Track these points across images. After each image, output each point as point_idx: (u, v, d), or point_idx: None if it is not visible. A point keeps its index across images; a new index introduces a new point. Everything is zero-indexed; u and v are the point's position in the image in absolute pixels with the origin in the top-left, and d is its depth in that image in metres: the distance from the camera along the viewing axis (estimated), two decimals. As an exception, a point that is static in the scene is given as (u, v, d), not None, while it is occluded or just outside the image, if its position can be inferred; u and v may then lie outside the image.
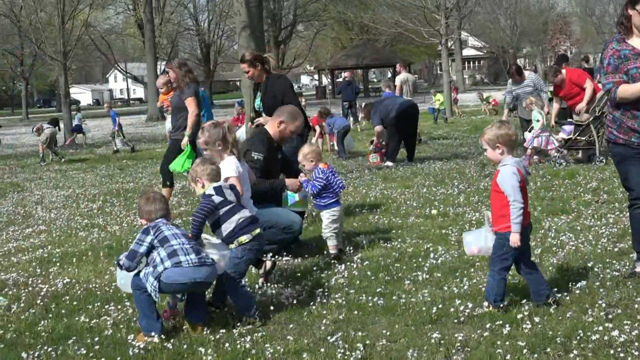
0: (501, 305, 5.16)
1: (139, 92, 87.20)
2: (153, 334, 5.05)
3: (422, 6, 29.49)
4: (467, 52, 74.59)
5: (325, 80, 63.20)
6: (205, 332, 5.15)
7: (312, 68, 70.67)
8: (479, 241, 5.35)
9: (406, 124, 14.81)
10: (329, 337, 4.91)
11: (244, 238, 5.48)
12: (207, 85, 69.05)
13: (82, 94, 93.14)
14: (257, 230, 5.58)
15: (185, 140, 9.25)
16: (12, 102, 77.65)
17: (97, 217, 10.59)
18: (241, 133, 18.18)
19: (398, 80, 19.48)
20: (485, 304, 5.20)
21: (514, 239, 5.07)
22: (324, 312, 5.49)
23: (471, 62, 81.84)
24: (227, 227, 5.48)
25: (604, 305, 5.15)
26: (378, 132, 14.97)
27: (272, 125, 7.55)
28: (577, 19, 73.16)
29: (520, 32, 64.90)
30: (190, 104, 9.40)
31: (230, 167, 6.08)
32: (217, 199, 5.43)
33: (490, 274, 5.27)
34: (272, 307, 5.65)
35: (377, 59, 55.70)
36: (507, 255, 5.16)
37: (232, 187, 5.64)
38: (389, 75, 63.99)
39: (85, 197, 12.68)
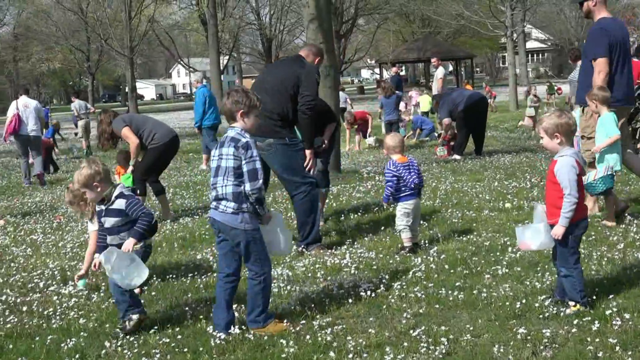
0: (587, 303, 4.99)
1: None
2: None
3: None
4: (531, 44, 73.11)
5: (386, 74, 62.85)
6: (285, 324, 5.11)
7: (373, 62, 70.37)
8: (539, 236, 5.13)
9: (474, 117, 14.61)
10: (410, 331, 4.83)
11: (148, 240, 5.47)
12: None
13: (146, 89, 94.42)
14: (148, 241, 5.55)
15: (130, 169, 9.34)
16: (78, 96, 79.12)
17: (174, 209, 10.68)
18: None
19: (441, 73, 19.49)
20: (572, 303, 5.00)
21: (558, 232, 4.93)
22: (404, 305, 5.41)
23: (535, 55, 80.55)
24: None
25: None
26: (446, 125, 14.83)
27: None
28: (644, 10, 71.22)
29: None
30: (127, 134, 9.20)
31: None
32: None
33: (565, 273, 5.05)
34: (350, 300, 5.59)
35: (438, 52, 54.69)
36: (574, 247, 5.03)
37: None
38: (450, 68, 63.44)
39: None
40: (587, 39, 8.23)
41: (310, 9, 11.96)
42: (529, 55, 71.90)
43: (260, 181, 4.99)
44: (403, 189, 6.96)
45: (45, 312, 5.83)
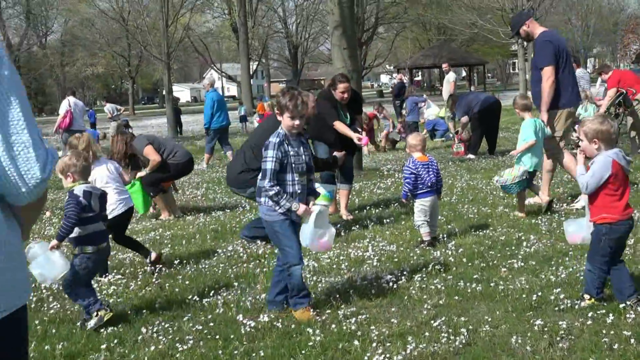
0: (603, 297, 4.79)
1: (232, 90, 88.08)
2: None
3: (500, 8, 28.82)
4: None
5: (405, 79, 62.65)
6: (311, 313, 4.98)
7: (391, 67, 70.03)
8: (581, 230, 4.98)
9: (488, 118, 14.47)
10: (431, 321, 4.68)
11: (89, 249, 5.11)
12: (294, 83, 69.37)
13: (181, 92, 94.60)
14: (103, 245, 5.25)
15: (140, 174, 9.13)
16: (119, 99, 79.63)
17: (202, 203, 10.59)
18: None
19: (452, 77, 19.33)
20: (587, 296, 4.79)
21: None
22: (424, 296, 5.27)
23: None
24: (79, 231, 5.10)
25: None
26: (463, 123, 14.72)
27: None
28: (645, 20, 70.44)
29: (592, 32, 62.95)
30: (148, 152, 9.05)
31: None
32: (83, 201, 5.06)
33: (589, 268, 4.83)
34: (373, 291, 5.46)
35: (453, 58, 54.23)
36: (606, 250, 4.73)
37: (101, 196, 5.30)
38: (464, 74, 62.96)
39: (190, 185, 12.71)
40: (534, 51, 8.28)
41: (335, 16, 11.83)
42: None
43: (267, 180, 4.82)
44: (420, 186, 6.80)
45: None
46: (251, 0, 48.52)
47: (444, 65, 21.08)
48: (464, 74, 62.69)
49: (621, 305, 4.65)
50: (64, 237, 5.08)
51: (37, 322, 5.23)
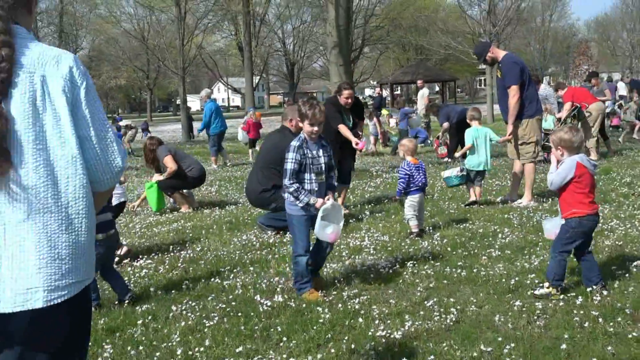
0: (559, 287, 4.69)
1: (236, 100, 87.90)
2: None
3: (470, 32, 28.88)
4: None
5: (385, 93, 62.53)
6: (319, 294, 4.96)
7: (375, 83, 69.97)
8: (557, 227, 4.97)
9: (464, 128, 14.40)
10: (424, 302, 4.68)
11: (99, 236, 4.98)
12: (291, 95, 69.23)
13: (192, 102, 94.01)
14: (111, 232, 5.21)
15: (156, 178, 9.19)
16: (139, 107, 79.31)
17: (216, 198, 10.55)
18: (241, 136, 18.07)
19: (426, 92, 19.49)
20: (546, 284, 4.73)
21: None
22: (416, 280, 5.26)
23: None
24: None
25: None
26: (445, 129, 14.75)
27: (288, 125, 7.53)
28: (594, 44, 70.68)
29: (548, 54, 63.08)
30: (167, 161, 9.08)
31: None
32: None
33: (552, 257, 4.81)
34: (371, 275, 5.45)
35: (428, 75, 54.39)
36: (570, 240, 4.72)
37: None
38: (437, 89, 62.89)
39: (205, 183, 12.63)
40: (503, 71, 8.27)
41: (333, 37, 11.83)
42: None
43: (287, 179, 4.86)
44: (412, 185, 6.80)
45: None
46: (254, 23, 48.42)
47: (419, 82, 21.13)
48: (437, 88, 62.63)
49: (588, 289, 4.66)
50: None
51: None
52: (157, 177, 9.16)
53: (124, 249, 6.62)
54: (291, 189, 4.85)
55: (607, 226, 6.70)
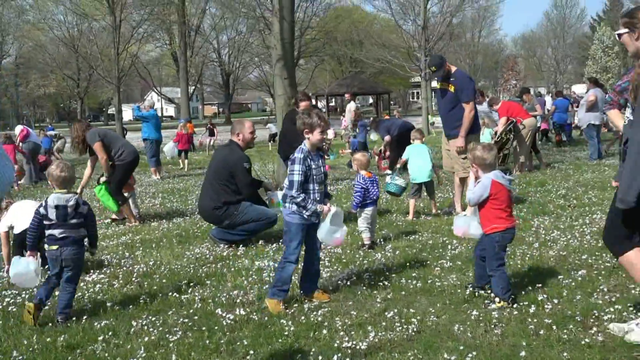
0: (510, 298, 4.85)
1: (170, 110, 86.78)
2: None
3: (406, 46, 29.59)
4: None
5: (320, 104, 62.98)
6: (282, 308, 5.01)
7: (311, 94, 70.45)
8: (466, 225, 5.20)
9: (405, 141, 14.71)
10: (385, 313, 4.79)
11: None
12: (226, 106, 68.83)
13: (125, 112, 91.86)
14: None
15: (103, 179, 9.14)
16: (68, 116, 77.20)
17: (161, 210, 10.42)
18: (168, 150, 18.30)
19: (353, 106, 19.73)
20: (497, 299, 4.85)
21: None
22: (374, 292, 5.37)
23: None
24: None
25: (605, 289, 5.06)
26: (387, 142, 14.94)
27: (236, 139, 7.54)
28: (521, 59, 73.30)
29: (479, 69, 64.95)
30: (97, 149, 8.99)
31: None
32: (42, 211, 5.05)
33: (490, 274, 4.97)
34: (330, 287, 5.53)
35: (363, 87, 55.28)
36: (500, 253, 4.94)
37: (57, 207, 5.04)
38: (370, 101, 63.85)
39: (147, 195, 12.48)
40: (458, 85, 8.48)
41: (278, 50, 11.89)
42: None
43: (294, 190, 4.95)
44: (367, 199, 6.94)
45: (75, 297, 5.59)
46: (189, 33, 48.03)
47: (346, 95, 21.36)
48: (370, 101, 63.57)
49: (539, 298, 4.88)
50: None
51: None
52: (102, 179, 9.08)
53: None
54: (298, 200, 4.96)
55: (549, 237, 7.00)
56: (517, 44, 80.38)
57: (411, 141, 9.21)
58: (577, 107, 20.60)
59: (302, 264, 5.37)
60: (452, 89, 8.47)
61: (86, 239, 5.25)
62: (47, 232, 5.07)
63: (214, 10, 54.49)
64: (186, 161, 18.25)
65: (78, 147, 9.23)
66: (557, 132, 19.75)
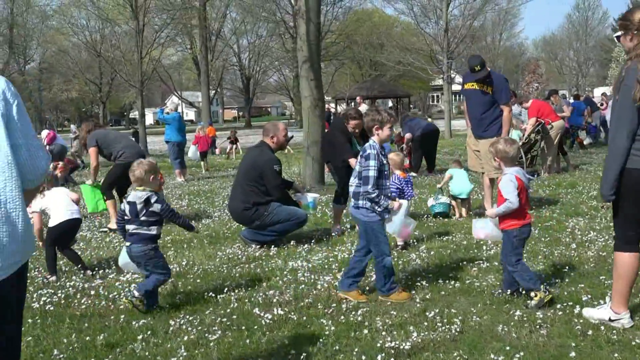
0: (541, 288, 4.80)
1: (190, 115, 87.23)
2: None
3: (429, 49, 29.47)
4: (454, 87, 74.25)
5: (339, 108, 63.06)
6: (319, 307, 4.96)
7: (330, 98, 70.45)
8: (486, 228, 5.13)
9: (428, 142, 14.70)
10: (425, 313, 4.72)
11: None
12: (246, 110, 69.06)
13: (146, 116, 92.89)
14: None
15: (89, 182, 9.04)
16: (70, 122, 78.00)
17: (188, 212, 10.41)
18: (192, 153, 18.51)
19: (363, 109, 19.64)
20: (532, 294, 4.78)
21: (488, 213, 5.07)
22: (412, 292, 5.29)
23: (457, 96, 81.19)
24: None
25: (651, 291, 4.95)
26: (408, 138, 14.95)
27: (269, 142, 7.55)
28: (542, 62, 72.70)
29: (500, 72, 64.30)
30: (91, 154, 8.94)
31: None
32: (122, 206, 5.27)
33: (511, 270, 4.92)
34: (367, 288, 5.47)
35: (382, 91, 55.20)
36: (517, 248, 4.91)
37: (129, 203, 5.18)
38: (390, 104, 63.62)
39: (173, 197, 12.49)
40: (496, 86, 8.33)
41: (304, 52, 11.86)
42: (453, 95, 72.57)
43: (370, 186, 4.97)
44: (401, 199, 6.85)
45: (111, 296, 5.59)
46: (210, 37, 48.30)
47: (358, 98, 21.49)
48: (390, 104, 63.36)
49: (584, 298, 4.78)
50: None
51: (68, 317, 5.06)
52: (88, 181, 9.12)
53: (53, 277, 6.34)
54: (373, 195, 4.99)
55: (586, 238, 6.89)
56: (538, 47, 79.79)
57: (451, 166, 9.24)
58: (603, 108, 20.35)
59: (353, 258, 5.36)
60: (489, 90, 8.31)
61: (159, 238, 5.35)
62: (126, 227, 5.19)
63: (234, 15, 54.77)
64: (204, 163, 18.50)
65: (84, 146, 9.39)
66: (572, 134, 19.47)
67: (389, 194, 5.19)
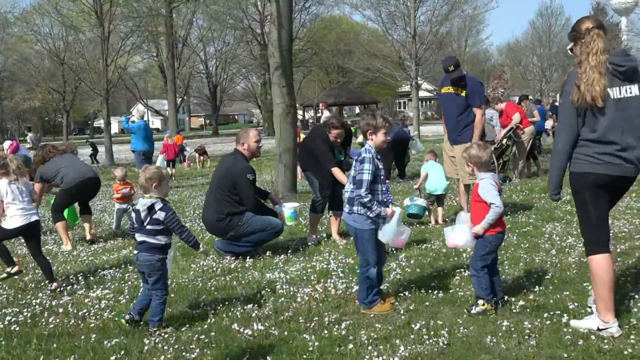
0: (492, 301, 4.76)
1: (156, 123, 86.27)
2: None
3: (397, 56, 29.55)
4: (421, 93, 74.65)
5: (307, 115, 62.79)
6: (300, 321, 4.79)
7: (298, 105, 70.31)
8: (464, 235, 4.96)
9: (399, 147, 14.67)
10: (410, 325, 4.57)
11: None
12: (213, 118, 68.55)
13: (110, 124, 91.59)
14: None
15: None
16: (53, 130, 76.54)
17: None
18: (159, 162, 18.46)
19: (327, 114, 19.97)
20: (481, 302, 4.75)
21: (477, 231, 4.79)
22: (395, 303, 5.15)
23: (424, 102, 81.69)
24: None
25: (636, 296, 4.88)
26: None
27: (241, 149, 7.30)
28: (507, 68, 73.52)
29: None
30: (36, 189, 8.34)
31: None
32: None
33: (473, 274, 4.87)
34: (348, 300, 5.31)
35: (350, 97, 55.37)
36: (489, 255, 4.83)
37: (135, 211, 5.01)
38: (357, 111, 63.78)
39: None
40: (469, 89, 8.28)
41: (276, 58, 11.69)
42: (419, 102, 72.98)
43: (363, 190, 4.81)
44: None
45: (80, 313, 5.33)
46: (177, 44, 47.82)
47: (321, 105, 21.65)
48: (357, 110, 63.48)
49: (570, 306, 4.70)
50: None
51: (35, 338, 4.80)
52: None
53: (15, 268, 6.71)
54: (366, 200, 4.83)
55: (565, 244, 6.84)
56: (502, 53, 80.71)
57: (425, 161, 9.15)
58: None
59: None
60: (463, 93, 8.26)
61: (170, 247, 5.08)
62: (135, 236, 5.01)
63: (201, 22, 54.40)
64: (174, 170, 18.53)
65: (35, 171, 9.15)
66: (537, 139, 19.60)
67: (386, 200, 4.99)
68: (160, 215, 4.83)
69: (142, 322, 4.92)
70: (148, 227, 4.86)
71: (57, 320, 5.14)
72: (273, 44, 11.61)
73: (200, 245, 5.12)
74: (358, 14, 64.01)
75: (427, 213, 8.58)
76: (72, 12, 29.79)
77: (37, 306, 5.59)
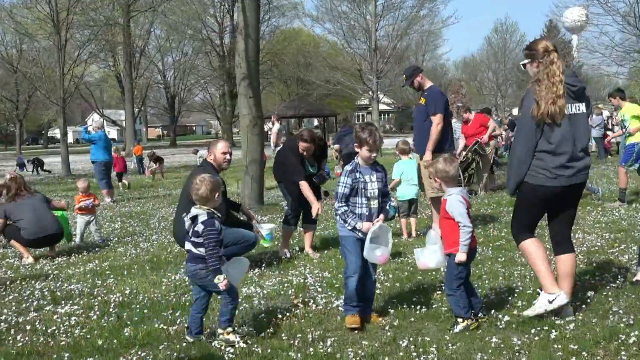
0: (471, 316, 4.69)
1: (112, 133, 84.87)
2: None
3: (358, 68, 29.69)
4: (381, 106, 75.13)
5: (266, 127, 62.80)
6: (283, 338, 4.64)
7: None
8: (435, 256, 4.85)
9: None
10: (397, 341, 4.46)
11: None
12: (170, 129, 67.78)
13: (67, 134, 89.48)
14: None
15: None
16: (6, 140, 74.59)
17: (123, 236, 9.86)
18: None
19: (276, 128, 20.95)
20: (460, 320, 4.66)
21: (461, 258, 4.66)
22: (378, 318, 5.04)
23: (383, 115, 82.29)
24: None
25: (620, 311, 4.88)
26: (337, 149, 15.76)
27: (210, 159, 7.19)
28: (463, 82, 74.68)
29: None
30: None
31: None
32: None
33: (449, 294, 4.77)
34: (330, 315, 5.18)
35: (310, 110, 55.25)
36: (462, 273, 4.74)
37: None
38: (316, 123, 63.84)
39: (104, 219, 11.86)
40: (428, 98, 8.27)
41: (243, 69, 11.54)
42: (379, 114, 73.45)
43: (336, 201, 4.86)
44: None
45: (49, 330, 5.08)
46: (134, 54, 47.22)
47: (273, 117, 22.20)
48: (315, 123, 63.57)
49: (557, 322, 4.65)
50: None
51: (2, 356, 4.54)
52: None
53: None
54: (339, 212, 4.86)
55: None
56: (458, 68, 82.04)
57: (398, 154, 8.92)
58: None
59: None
60: (423, 102, 8.28)
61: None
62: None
63: (159, 32, 53.88)
64: (125, 182, 18.87)
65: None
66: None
67: (367, 214, 4.87)
68: (199, 227, 4.65)
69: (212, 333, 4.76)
70: (192, 238, 4.72)
71: (26, 338, 4.87)
72: (240, 54, 11.46)
73: (216, 278, 4.65)
74: (318, 26, 64.13)
75: (399, 223, 8.51)
76: (27, 20, 29.09)
77: (2, 323, 5.30)
